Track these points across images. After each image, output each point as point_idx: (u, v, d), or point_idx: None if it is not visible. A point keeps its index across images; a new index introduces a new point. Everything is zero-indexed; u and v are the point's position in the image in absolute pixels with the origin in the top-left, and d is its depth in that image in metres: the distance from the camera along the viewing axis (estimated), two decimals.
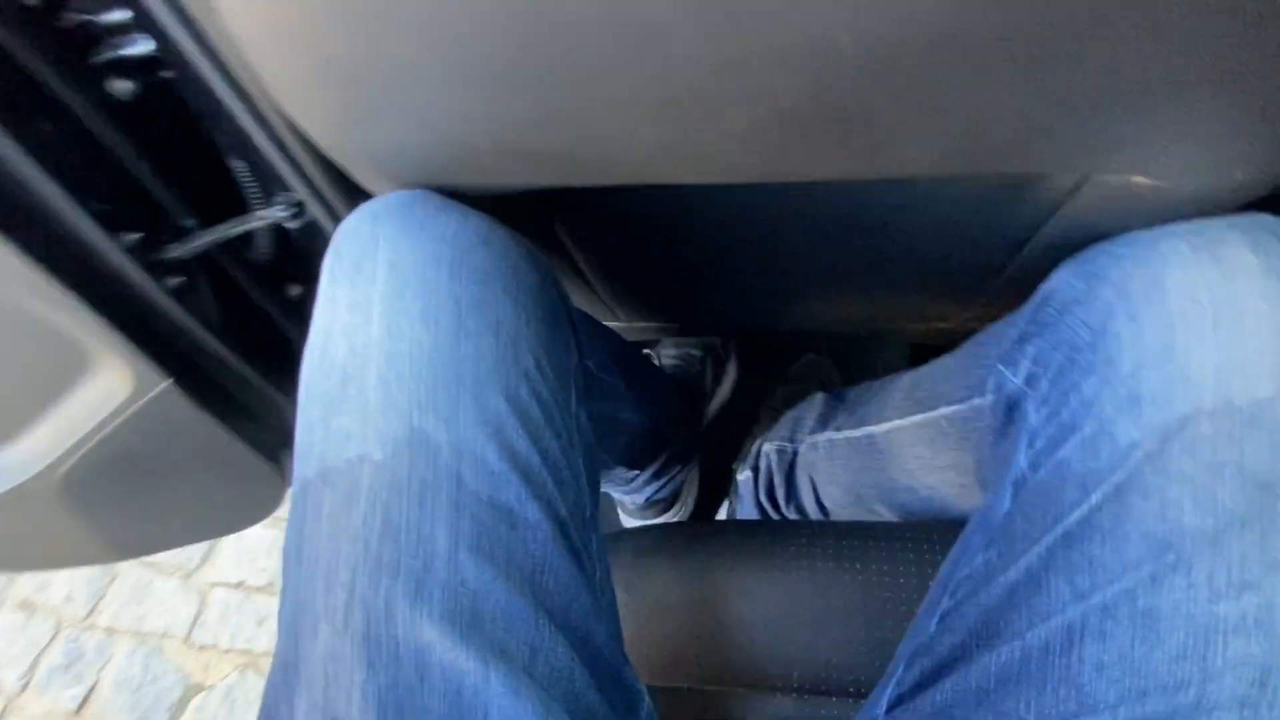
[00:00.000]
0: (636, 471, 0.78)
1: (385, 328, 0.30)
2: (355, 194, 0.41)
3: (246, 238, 0.48)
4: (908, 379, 0.56)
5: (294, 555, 0.30)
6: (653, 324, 0.68)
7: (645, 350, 1.00)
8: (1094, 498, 0.29)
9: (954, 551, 0.40)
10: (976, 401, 0.43)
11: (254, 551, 1.23)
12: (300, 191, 0.42)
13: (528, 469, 0.31)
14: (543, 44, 0.22)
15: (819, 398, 0.72)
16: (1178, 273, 0.29)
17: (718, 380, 0.97)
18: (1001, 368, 0.39)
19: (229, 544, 1.23)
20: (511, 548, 0.30)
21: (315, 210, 0.45)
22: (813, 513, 0.69)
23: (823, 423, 0.68)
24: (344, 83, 0.27)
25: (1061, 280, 0.35)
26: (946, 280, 0.44)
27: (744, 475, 0.79)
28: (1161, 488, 0.27)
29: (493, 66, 0.24)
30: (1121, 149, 0.24)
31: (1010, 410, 0.38)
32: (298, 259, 0.54)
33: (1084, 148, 0.25)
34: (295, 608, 0.29)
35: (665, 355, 0.97)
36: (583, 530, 0.35)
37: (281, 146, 0.39)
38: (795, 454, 0.71)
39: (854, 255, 0.42)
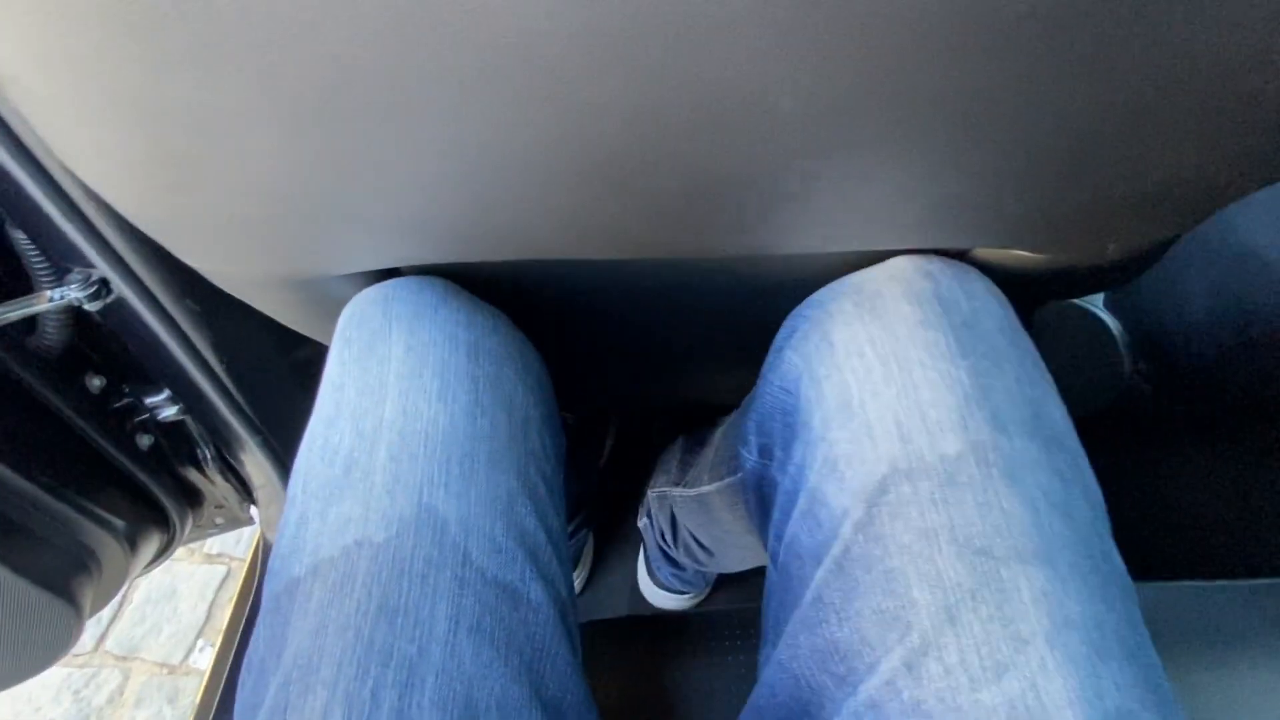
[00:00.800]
0: None
1: (400, 408, 0.30)
2: (173, 266, 0.35)
3: (29, 323, 0.40)
4: (719, 433, 0.56)
5: (258, 668, 0.27)
6: None
7: None
8: (819, 574, 0.28)
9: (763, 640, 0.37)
10: (740, 475, 0.42)
11: (35, 699, 1.01)
12: (102, 266, 0.35)
13: (534, 547, 0.31)
14: (427, 95, 0.19)
15: (679, 442, 0.73)
16: (843, 329, 0.30)
17: (600, 441, 0.96)
18: (738, 446, 0.39)
19: None
20: (512, 629, 0.28)
21: (123, 288, 0.38)
22: (699, 554, 0.71)
23: (683, 470, 0.69)
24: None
25: (772, 346, 0.36)
26: None
27: (643, 522, 0.81)
28: (881, 559, 0.26)
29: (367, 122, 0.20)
30: (1015, 224, 0.25)
31: (760, 485, 0.38)
32: (100, 346, 0.46)
33: (984, 224, 0.25)
34: None
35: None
36: (574, 613, 0.34)
37: (77, 212, 0.32)
38: (673, 499, 0.72)
39: (737, 328, 0.41)
